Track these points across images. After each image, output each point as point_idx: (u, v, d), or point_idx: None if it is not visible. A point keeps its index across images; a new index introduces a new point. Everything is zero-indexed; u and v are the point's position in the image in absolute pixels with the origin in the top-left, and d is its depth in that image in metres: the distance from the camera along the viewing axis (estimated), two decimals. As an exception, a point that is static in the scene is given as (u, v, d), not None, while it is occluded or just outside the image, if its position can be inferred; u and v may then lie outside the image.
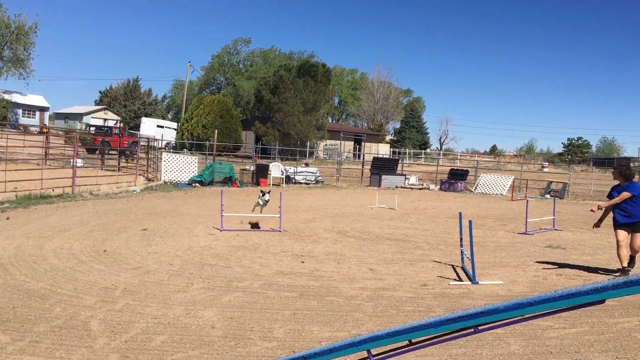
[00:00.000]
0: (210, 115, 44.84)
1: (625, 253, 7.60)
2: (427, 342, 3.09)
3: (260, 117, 46.43)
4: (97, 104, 75.42)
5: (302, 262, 9.07)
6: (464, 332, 2.80)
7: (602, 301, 2.57)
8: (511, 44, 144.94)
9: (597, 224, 8.07)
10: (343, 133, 53.28)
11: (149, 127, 49.40)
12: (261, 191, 13.00)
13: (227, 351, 5.19)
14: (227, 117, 45.98)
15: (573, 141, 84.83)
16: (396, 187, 22.08)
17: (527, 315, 2.83)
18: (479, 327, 2.75)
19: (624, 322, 5.31)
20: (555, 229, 12.09)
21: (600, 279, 6.45)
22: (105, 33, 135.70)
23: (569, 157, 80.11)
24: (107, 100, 73.71)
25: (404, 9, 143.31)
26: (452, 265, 8.41)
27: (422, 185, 28.05)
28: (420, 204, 19.15)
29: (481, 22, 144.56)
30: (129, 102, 71.07)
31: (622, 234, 7.59)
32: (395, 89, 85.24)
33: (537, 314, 2.75)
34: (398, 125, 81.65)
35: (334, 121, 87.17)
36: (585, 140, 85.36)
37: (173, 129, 52.59)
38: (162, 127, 51.03)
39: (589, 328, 5.22)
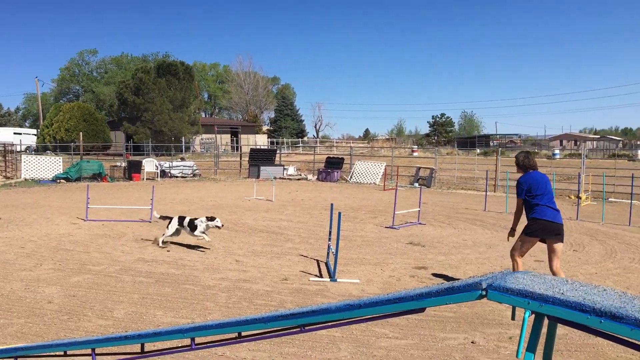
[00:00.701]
0: (72, 120, 46.23)
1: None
2: (256, 337, 3.12)
3: (127, 118, 48.07)
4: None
5: (168, 250, 9.19)
6: (292, 330, 2.85)
7: (424, 309, 2.60)
8: (369, 22, 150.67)
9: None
10: (217, 126, 53.51)
11: (4, 134, 48.86)
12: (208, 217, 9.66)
13: (55, 323, 5.41)
14: (91, 120, 47.74)
15: (437, 119, 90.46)
16: (274, 178, 22.36)
17: (358, 318, 2.91)
18: (306, 327, 2.83)
19: (451, 339, 5.26)
20: (419, 223, 12.68)
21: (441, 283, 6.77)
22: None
23: (436, 137, 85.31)
24: (-47, 116, 71.17)
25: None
26: (318, 260, 8.67)
27: (300, 175, 28.54)
28: (298, 195, 19.52)
29: (338, 5, 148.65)
30: (-23, 116, 69.30)
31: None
32: (263, 78, 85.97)
33: (366, 317, 2.75)
34: (273, 115, 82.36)
35: (207, 116, 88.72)
36: (448, 117, 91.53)
37: (33, 134, 53.95)
38: (19, 134, 51.70)
39: (417, 341, 5.18)
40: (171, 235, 9.66)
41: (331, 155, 33.58)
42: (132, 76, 49.16)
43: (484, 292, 2.37)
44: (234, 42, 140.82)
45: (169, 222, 9.66)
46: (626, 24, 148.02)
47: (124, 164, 26.79)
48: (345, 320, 2.91)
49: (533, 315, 2.33)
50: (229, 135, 61.02)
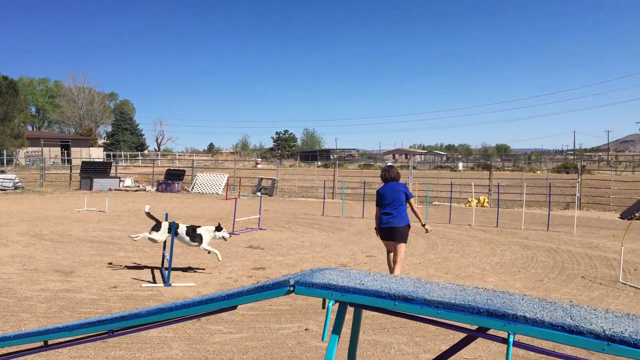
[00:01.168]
0: None
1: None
2: (63, 344, 3.05)
3: None
4: None
5: None
6: (102, 335, 2.89)
7: (235, 307, 2.81)
8: (212, 43, 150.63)
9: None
10: (45, 139, 49.93)
11: None
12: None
13: None
14: None
15: (281, 135, 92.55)
16: (109, 189, 21.12)
17: (170, 320, 2.89)
18: (115, 332, 2.85)
19: (286, 329, 5.38)
20: (260, 228, 12.81)
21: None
22: None
23: (279, 151, 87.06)
24: None
25: (87, 16, 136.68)
26: (152, 268, 8.34)
27: (139, 186, 27.30)
28: (134, 205, 18.58)
29: (177, 21, 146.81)
30: None
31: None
32: (99, 94, 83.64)
33: (179, 318, 2.87)
34: (110, 129, 78.66)
35: (35, 129, 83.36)
36: (291, 133, 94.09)
37: None
38: None
39: (252, 334, 5.22)
40: (158, 241, 8.24)
41: (172, 168, 32.60)
42: None
43: (291, 288, 2.68)
44: (67, 58, 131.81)
45: (156, 226, 8.22)
46: (443, 55, 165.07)
47: None
48: (157, 323, 2.90)
49: (337, 304, 2.69)
50: (58, 149, 58.22)
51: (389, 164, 7.23)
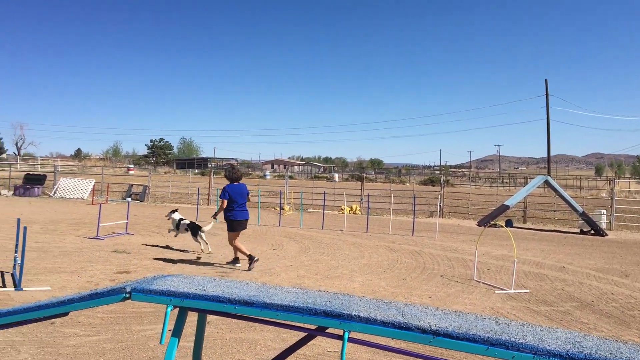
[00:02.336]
0: None
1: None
2: None
3: None
4: None
5: None
6: None
7: (67, 313, 2.83)
8: (84, 43, 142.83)
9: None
10: None
11: None
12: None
13: None
14: None
15: (156, 142, 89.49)
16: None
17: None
18: None
19: (148, 330, 5.22)
20: (127, 233, 12.19)
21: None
22: None
23: (154, 158, 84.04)
24: None
25: None
26: (2, 272, 7.71)
27: (-8, 191, 24.87)
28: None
29: (39, 20, 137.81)
30: None
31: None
32: None
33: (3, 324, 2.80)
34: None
35: None
36: (167, 142, 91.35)
37: None
38: None
39: (111, 336, 5.02)
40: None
41: (31, 172, 30.17)
42: None
43: (128, 295, 2.76)
44: None
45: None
46: (327, 72, 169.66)
47: None
48: None
49: (177, 309, 2.78)
50: None
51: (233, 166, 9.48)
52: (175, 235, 10.56)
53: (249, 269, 8.45)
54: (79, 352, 4.52)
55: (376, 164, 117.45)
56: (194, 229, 9.78)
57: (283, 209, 18.64)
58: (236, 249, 8.82)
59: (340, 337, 2.46)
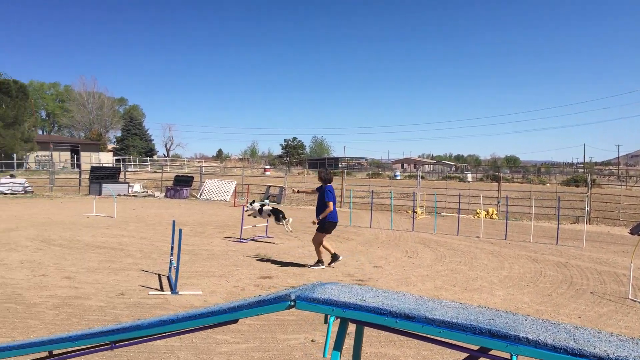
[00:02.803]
0: None
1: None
2: (68, 355, 3.04)
3: None
4: None
5: None
6: (103, 346, 2.89)
7: (236, 320, 2.83)
8: (224, 46, 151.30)
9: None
10: (54, 144, 50.42)
11: None
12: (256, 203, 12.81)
13: None
14: None
15: (289, 142, 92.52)
16: (117, 195, 21.24)
17: (173, 332, 2.86)
18: (117, 343, 2.84)
19: (292, 340, 5.35)
20: (267, 237, 12.79)
21: (290, 289, 6.83)
22: None
23: (288, 158, 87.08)
24: None
25: (100, 17, 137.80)
26: (159, 275, 8.35)
27: (147, 192, 27.37)
28: (143, 211, 18.64)
29: (187, 27, 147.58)
30: None
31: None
32: (108, 99, 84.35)
33: (182, 330, 2.86)
34: (120, 134, 79.11)
35: (45, 133, 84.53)
36: (299, 141, 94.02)
37: None
38: None
39: (259, 344, 5.20)
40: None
41: (180, 174, 32.68)
42: None
43: (292, 303, 2.66)
44: (76, 63, 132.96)
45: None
46: (455, 65, 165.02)
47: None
48: (158, 335, 2.88)
49: (339, 320, 2.66)
50: (68, 153, 58.58)
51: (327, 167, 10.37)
52: (255, 217, 12.60)
53: (330, 266, 9.19)
54: (230, 359, 4.79)
55: (512, 162, 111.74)
56: (277, 213, 11.80)
57: (416, 213, 18.43)
58: (320, 250, 9.23)
59: (504, 361, 2.26)
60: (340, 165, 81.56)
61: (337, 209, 9.43)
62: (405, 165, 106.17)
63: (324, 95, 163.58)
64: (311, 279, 8.24)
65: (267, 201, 11.94)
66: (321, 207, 9.19)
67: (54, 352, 2.93)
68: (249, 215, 12.47)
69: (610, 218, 20.47)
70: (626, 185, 46.00)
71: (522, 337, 2.21)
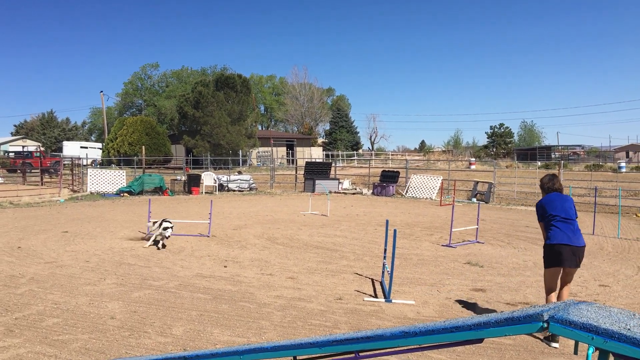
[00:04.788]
0: (135, 134, 46.87)
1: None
2: None
3: (187, 131, 48.29)
4: (13, 135, 75.84)
5: (225, 266, 9.37)
6: (346, 355, 2.85)
7: (480, 340, 2.51)
8: (424, 33, 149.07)
9: None
10: (274, 139, 53.94)
11: (71, 149, 50.13)
12: (163, 221, 11.06)
13: (117, 339, 5.52)
14: (153, 134, 48.37)
15: (496, 129, 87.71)
16: (329, 192, 22.44)
17: (413, 347, 2.73)
18: (360, 353, 2.82)
19: None
20: (477, 242, 12.32)
21: (502, 310, 6.46)
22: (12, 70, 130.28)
23: (494, 149, 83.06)
24: (23, 131, 75.24)
25: (309, 9, 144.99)
26: (372, 279, 8.57)
27: (356, 189, 28.48)
28: (353, 210, 19.44)
29: (394, 14, 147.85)
30: (47, 130, 72.37)
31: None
32: (317, 89, 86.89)
33: (421, 345, 2.71)
34: (328, 127, 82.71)
35: (264, 128, 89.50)
36: (507, 128, 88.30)
37: (98, 148, 54.63)
38: (85, 147, 52.46)
39: None
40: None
41: (386, 169, 33.20)
42: (192, 89, 49.31)
43: (545, 325, 2.30)
44: (288, 54, 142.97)
45: None
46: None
47: (183, 178, 27.34)
48: (402, 348, 2.85)
49: (597, 352, 2.21)
50: (284, 148, 61.39)
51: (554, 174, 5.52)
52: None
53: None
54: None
55: None
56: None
57: (649, 216, 16.26)
58: (548, 298, 6.15)
59: None
60: (552, 156, 75.33)
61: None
62: (631, 153, 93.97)
63: (533, 73, 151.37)
64: (528, 295, 7.77)
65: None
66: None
67: (298, 358, 2.98)
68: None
69: None
70: None
71: None
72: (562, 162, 44.12)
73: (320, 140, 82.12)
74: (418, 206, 21.53)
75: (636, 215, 18.71)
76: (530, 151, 78.13)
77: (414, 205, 22.06)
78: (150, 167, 39.57)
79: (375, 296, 7.58)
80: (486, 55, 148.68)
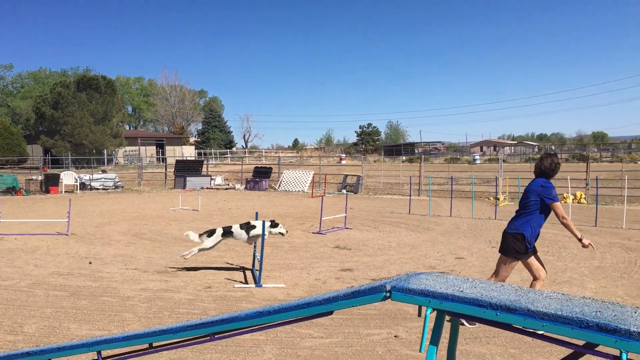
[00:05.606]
0: None
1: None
2: (167, 347, 3.13)
3: (45, 132, 47.32)
4: None
5: (90, 262, 8.88)
6: (202, 339, 2.94)
7: (331, 312, 2.72)
8: (298, 33, 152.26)
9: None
10: (142, 138, 52.67)
11: None
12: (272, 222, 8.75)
13: None
14: (6, 135, 47.06)
15: (365, 129, 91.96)
16: (201, 188, 22.07)
17: (268, 324, 2.84)
18: (216, 335, 2.89)
19: (375, 335, 5.36)
20: (346, 228, 12.84)
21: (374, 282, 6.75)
22: None
23: (363, 146, 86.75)
24: None
25: (180, 11, 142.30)
26: (243, 268, 8.60)
27: (229, 185, 28.29)
28: (225, 204, 19.28)
29: (264, 19, 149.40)
30: None
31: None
32: (189, 91, 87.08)
33: (275, 322, 2.83)
34: (200, 127, 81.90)
35: (132, 128, 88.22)
36: (375, 127, 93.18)
37: None
38: None
39: (342, 339, 5.24)
40: (209, 249, 8.55)
41: (259, 165, 33.45)
42: (51, 90, 48.34)
43: (388, 294, 2.51)
44: (158, 57, 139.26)
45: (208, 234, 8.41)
46: (530, 35, 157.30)
47: (40, 177, 25.79)
48: (255, 327, 2.92)
49: (435, 312, 2.49)
50: (154, 147, 60.84)
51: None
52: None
53: None
54: (314, 354, 4.86)
55: (599, 139, 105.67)
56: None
57: (498, 199, 17.90)
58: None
59: (614, 358, 2.06)
60: (416, 151, 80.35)
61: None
62: (485, 148, 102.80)
63: (398, 78, 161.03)
64: (392, 271, 8.22)
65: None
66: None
67: (154, 345, 3.02)
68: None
69: None
70: None
71: (634, 331, 2.00)
72: (424, 156, 47.08)
73: (192, 140, 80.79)
74: (290, 199, 21.83)
75: (488, 198, 20.49)
76: (396, 147, 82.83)
77: (286, 198, 22.33)
78: (3, 168, 36.56)
79: (246, 282, 7.61)
80: (358, 60, 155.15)
